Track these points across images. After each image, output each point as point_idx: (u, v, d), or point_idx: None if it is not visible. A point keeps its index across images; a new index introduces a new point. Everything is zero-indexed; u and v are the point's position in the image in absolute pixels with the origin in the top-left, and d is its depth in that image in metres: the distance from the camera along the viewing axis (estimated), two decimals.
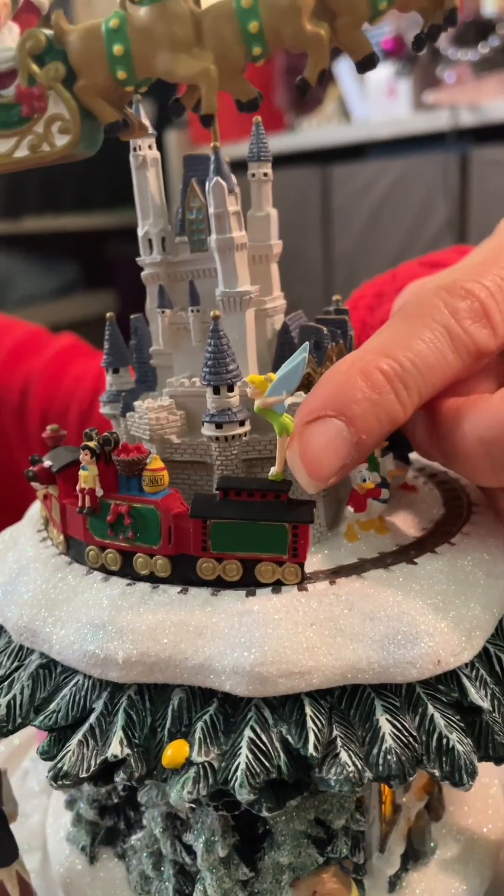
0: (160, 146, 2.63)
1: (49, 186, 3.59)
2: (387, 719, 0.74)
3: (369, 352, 0.76)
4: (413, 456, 1.04)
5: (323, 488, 0.77)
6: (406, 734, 0.73)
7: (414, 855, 0.94)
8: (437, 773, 0.72)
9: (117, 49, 0.70)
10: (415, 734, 0.74)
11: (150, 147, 0.90)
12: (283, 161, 3.03)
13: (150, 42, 0.71)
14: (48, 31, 0.71)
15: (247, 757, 0.71)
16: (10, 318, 2.09)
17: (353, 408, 0.73)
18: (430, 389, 0.76)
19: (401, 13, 0.76)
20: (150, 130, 0.89)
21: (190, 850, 0.87)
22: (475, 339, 0.76)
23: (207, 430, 0.83)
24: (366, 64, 0.74)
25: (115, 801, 0.94)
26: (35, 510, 1.02)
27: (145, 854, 0.90)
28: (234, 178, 0.85)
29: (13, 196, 3.45)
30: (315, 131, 2.93)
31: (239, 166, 0.91)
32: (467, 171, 2.55)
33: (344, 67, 2.85)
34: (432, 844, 0.96)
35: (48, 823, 1.05)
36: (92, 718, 0.77)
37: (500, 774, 1.08)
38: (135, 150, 0.90)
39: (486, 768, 1.07)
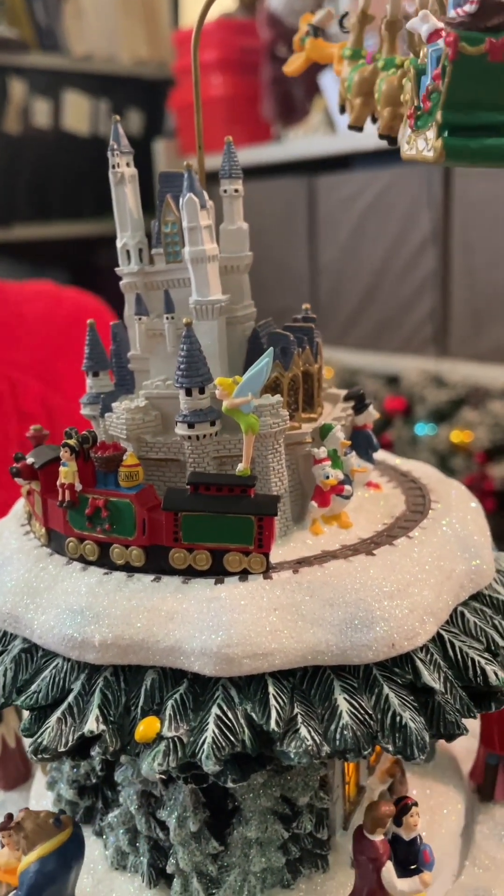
0: (149, 155, 2.68)
1: (38, 195, 3.63)
2: (344, 698, 0.80)
3: None
4: (378, 456, 1.10)
5: None
6: (362, 712, 0.79)
7: None
8: (390, 747, 0.78)
9: None
10: (370, 712, 0.79)
11: (127, 164, 0.95)
12: (269, 171, 3.08)
13: None
14: None
15: (213, 732, 0.76)
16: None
17: None
18: None
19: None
20: (128, 149, 0.95)
21: (163, 825, 0.92)
22: None
23: (180, 430, 0.89)
24: None
25: (94, 781, 0.99)
26: (19, 506, 1.07)
27: (121, 831, 0.95)
28: (206, 195, 0.91)
29: (3, 204, 3.49)
30: (301, 142, 2.97)
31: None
32: (450, 181, 2.60)
33: (329, 80, 2.90)
34: None
35: (30, 805, 1.10)
36: (70, 698, 0.82)
37: (462, 759, 1.14)
38: (114, 167, 0.95)
39: (447, 751, 1.13)
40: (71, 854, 0.86)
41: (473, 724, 1.04)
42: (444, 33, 0.67)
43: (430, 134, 0.70)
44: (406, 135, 0.77)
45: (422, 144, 0.72)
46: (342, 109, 1.03)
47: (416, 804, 0.87)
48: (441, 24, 0.69)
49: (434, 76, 0.69)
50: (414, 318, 2.65)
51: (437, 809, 1.05)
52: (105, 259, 3.83)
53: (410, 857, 0.87)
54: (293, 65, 1.06)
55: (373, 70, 0.94)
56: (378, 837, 0.84)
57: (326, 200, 2.94)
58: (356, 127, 0.98)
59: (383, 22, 0.95)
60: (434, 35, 0.70)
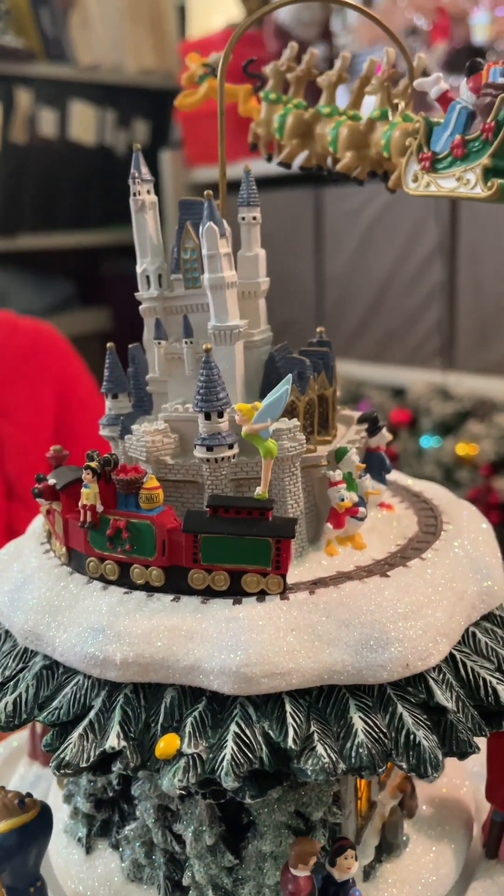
0: (154, 165, 2.71)
1: (44, 204, 3.65)
2: (359, 717, 0.82)
3: None
4: (391, 477, 1.12)
5: None
6: (377, 730, 0.81)
7: (387, 847, 1.01)
8: (404, 765, 0.80)
9: None
10: (385, 731, 0.81)
11: (148, 192, 0.98)
12: (276, 183, 3.09)
13: None
14: None
15: (232, 749, 0.78)
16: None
17: None
18: None
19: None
20: (149, 177, 0.97)
21: (179, 839, 0.94)
22: None
23: (199, 453, 0.91)
24: None
25: (111, 794, 1.01)
26: (38, 524, 1.09)
27: (138, 844, 0.97)
28: (225, 223, 0.93)
29: (8, 213, 3.50)
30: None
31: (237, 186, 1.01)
32: None
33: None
34: (405, 838, 1.03)
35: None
36: (91, 714, 0.84)
37: (471, 777, 1.15)
38: (135, 195, 0.97)
39: (458, 771, 1.15)
40: (32, 835, 0.91)
41: None
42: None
43: (470, 176, 0.78)
44: (412, 173, 0.86)
45: (449, 184, 0.81)
46: (254, 146, 1.10)
47: (352, 847, 0.89)
48: (447, 87, 0.82)
49: (484, 128, 0.77)
50: (420, 330, 2.67)
51: (445, 825, 1.06)
52: (110, 268, 3.87)
53: None
54: (188, 100, 1.12)
55: (314, 115, 1.01)
56: (302, 873, 0.85)
57: (333, 212, 2.95)
58: (286, 164, 1.05)
59: (327, 74, 1.06)
60: (443, 97, 0.82)
